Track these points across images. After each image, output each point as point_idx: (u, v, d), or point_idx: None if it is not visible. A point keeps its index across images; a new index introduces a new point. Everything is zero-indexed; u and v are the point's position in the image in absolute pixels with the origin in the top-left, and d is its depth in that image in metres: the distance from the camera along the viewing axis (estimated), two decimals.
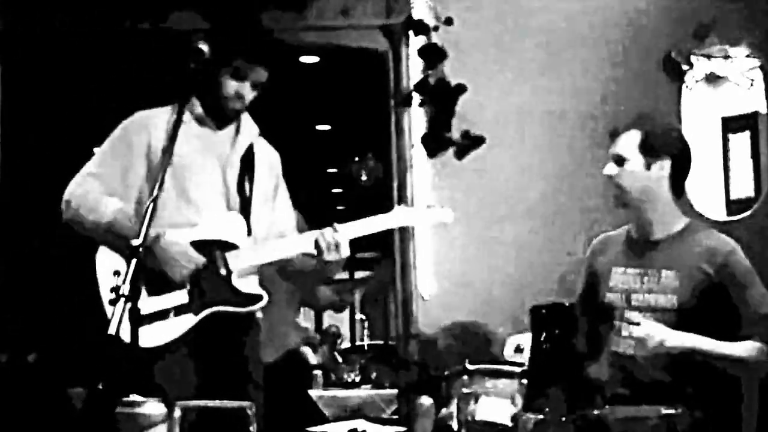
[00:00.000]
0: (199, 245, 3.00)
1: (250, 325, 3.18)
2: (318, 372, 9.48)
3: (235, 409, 2.58)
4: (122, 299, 2.35)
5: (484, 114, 5.08)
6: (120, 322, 2.31)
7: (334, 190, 12.55)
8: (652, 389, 3.07)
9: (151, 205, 2.60)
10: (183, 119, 3.08)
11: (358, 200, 8.01)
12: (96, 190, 3.08)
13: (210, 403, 2.59)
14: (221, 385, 2.90)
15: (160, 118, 3.14)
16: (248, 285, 3.11)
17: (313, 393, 8.51)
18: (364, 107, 6.16)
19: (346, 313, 16.60)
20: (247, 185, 3.16)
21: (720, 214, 5.06)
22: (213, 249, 3.03)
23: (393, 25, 5.17)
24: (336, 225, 3.12)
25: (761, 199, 5.05)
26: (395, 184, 5.15)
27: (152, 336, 2.88)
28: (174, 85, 3.07)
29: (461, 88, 5.05)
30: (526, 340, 3.13)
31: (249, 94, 3.15)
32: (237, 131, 3.22)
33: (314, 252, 3.10)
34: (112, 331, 2.29)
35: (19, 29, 5.12)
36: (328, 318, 16.01)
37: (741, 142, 5.17)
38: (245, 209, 3.15)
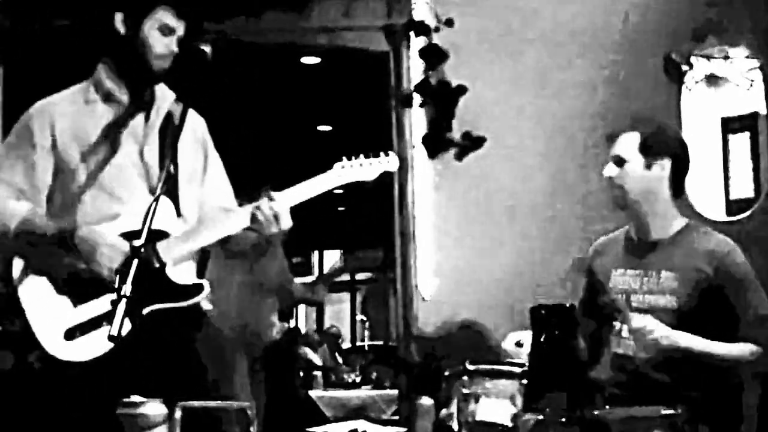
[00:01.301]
0: (135, 236, 2.57)
1: (200, 321, 2.91)
2: (318, 372, 9.52)
3: (235, 410, 2.58)
4: (123, 300, 2.30)
5: (485, 115, 5.09)
6: (122, 323, 2.29)
7: (335, 191, 12.54)
8: (652, 390, 3.08)
9: (153, 205, 2.50)
10: (88, 99, 2.88)
11: (358, 201, 8.02)
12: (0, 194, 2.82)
13: (211, 403, 2.58)
14: (175, 387, 2.53)
15: (62, 104, 2.90)
16: (185, 275, 2.84)
17: (314, 393, 8.53)
18: (365, 108, 6.17)
19: (347, 313, 16.63)
20: (169, 161, 2.80)
21: (720, 214, 5.07)
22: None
23: (394, 26, 5.18)
24: (272, 193, 2.86)
25: (761, 200, 5.06)
26: (396, 185, 5.16)
27: (88, 348, 2.65)
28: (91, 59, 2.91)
29: (462, 89, 5.05)
30: (526, 336, 3.13)
31: (175, 51, 2.86)
32: (150, 101, 2.89)
33: (254, 226, 2.84)
34: (114, 332, 2.27)
35: (20, 28, 5.12)
36: (329, 318, 16.03)
37: (741, 142, 5.17)
38: (171, 189, 2.84)
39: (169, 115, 2.92)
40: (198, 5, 3.09)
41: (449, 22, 5.06)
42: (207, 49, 2.84)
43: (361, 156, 3.01)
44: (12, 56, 5.24)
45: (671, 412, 2.62)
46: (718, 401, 3.10)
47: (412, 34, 5.14)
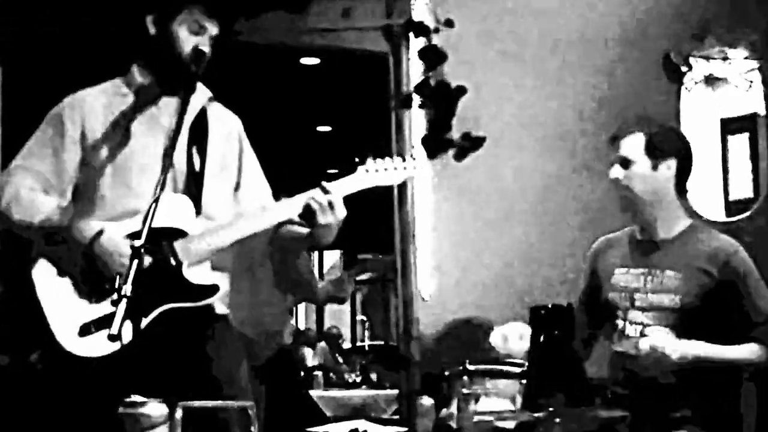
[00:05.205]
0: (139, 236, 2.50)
1: (214, 322, 2.89)
2: (319, 372, 9.53)
3: (236, 410, 2.58)
4: (124, 300, 2.30)
5: (484, 115, 5.09)
6: (122, 323, 2.29)
7: None
8: (654, 389, 3.09)
9: (153, 206, 2.48)
10: (119, 94, 2.89)
11: (358, 202, 8.02)
12: (27, 185, 2.81)
13: (212, 403, 2.58)
14: (185, 388, 2.49)
15: (95, 99, 2.90)
16: (203, 275, 2.79)
17: (314, 393, 8.55)
18: (365, 108, 6.18)
19: (347, 314, 16.63)
20: (197, 158, 2.80)
21: (719, 215, 5.07)
22: (158, 239, 2.65)
23: (393, 27, 5.18)
24: (325, 184, 2.83)
25: (760, 200, 5.05)
26: (396, 185, 5.15)
27: (101, 345, 2.57)
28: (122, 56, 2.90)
29: (461, 90, 5.05)
30: (511, 330, 3.15)
31: (208, 49, 2.84)
32: (184, 98, 2.79)
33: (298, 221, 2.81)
34: (114, 331, 2.28)
35: (20, 28, 5.11)
36: (329, 319, 16.04)
37: (740, 143, 5.17)
38: (196, 186, 2.83)
39: (201, 112, 2.90)
40: (230, 5, 3.04)
41: (449, 23, 5.06)
42: (206, 49, 2.84)
43: (387, 159, 2.95)
44: (11, 56, 5.24)
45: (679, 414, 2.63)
46: (717, 400, 3.11)
47: (411, 34, 5.13)
